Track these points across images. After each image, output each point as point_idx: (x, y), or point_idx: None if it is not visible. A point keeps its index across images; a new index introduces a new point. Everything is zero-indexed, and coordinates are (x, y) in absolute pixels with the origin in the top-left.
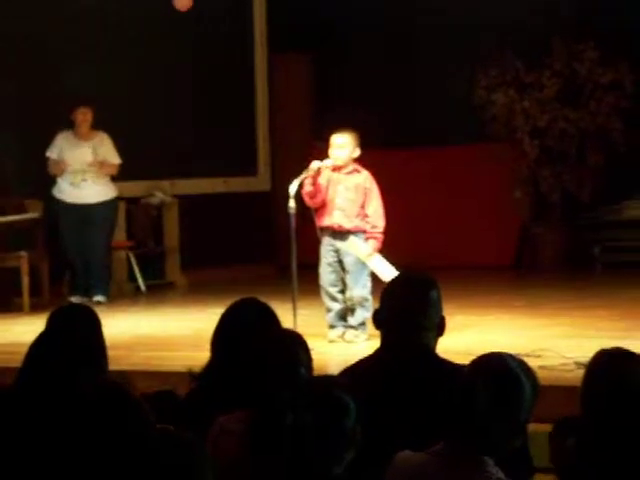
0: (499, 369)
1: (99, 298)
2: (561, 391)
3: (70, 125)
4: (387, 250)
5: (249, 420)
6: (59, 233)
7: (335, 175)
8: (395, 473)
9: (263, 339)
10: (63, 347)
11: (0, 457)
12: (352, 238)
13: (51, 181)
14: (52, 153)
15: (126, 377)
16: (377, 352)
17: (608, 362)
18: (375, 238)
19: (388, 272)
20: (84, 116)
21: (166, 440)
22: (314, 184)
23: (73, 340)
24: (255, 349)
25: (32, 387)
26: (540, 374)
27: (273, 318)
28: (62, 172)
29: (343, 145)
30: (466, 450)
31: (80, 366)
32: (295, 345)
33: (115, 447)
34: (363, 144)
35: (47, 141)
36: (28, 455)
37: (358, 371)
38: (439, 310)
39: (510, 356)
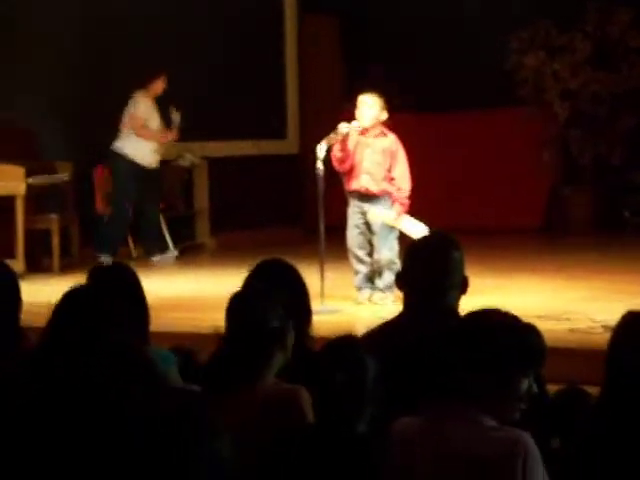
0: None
1: (156, 258)
2: (589, 354)
3: (135, 87)
4: (416, 213)
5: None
6: (118, 190)
7: (362, 139)
8: (393, 442)
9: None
10: (105, 304)
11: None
12: (372, 211)
13: (86, 143)
14: (142, 115)
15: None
16: (401, 313)
17: (635, 323)
18: (400, 202)
19: (420, 231)
20: (165, 85)
21: (170, 399)
22: (343, 149)
23: (116, 297)
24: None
25: (60, 346)
26: (568, 337)
27: (298, 278)
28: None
29: (371, 105)
30: (453, 407)
31: (119, 324)
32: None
33: (119, 404)
34: (393, 108)
35: (77, 104)
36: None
37: (383, 332)
38: (462, 270)
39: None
